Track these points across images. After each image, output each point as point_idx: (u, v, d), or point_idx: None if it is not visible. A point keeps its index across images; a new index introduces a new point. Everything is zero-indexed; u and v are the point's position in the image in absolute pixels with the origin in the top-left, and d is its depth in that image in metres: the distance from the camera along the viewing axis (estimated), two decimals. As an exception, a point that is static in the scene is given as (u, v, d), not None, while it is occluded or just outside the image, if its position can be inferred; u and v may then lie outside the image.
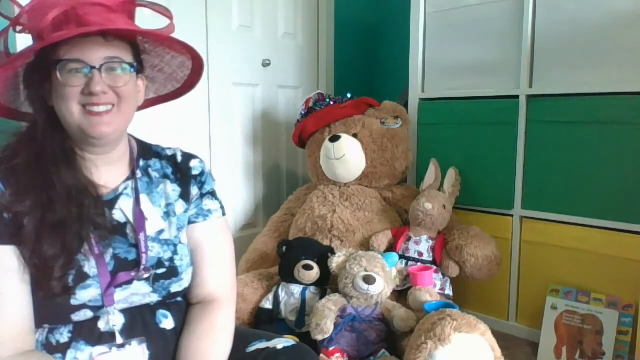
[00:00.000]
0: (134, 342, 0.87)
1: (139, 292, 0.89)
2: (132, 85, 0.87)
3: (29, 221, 0.80)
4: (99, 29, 0.80)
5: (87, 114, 0.83)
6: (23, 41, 0.89)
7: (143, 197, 0.94)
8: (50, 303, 0.82)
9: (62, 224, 0.82)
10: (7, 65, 0.84)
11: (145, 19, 0.99)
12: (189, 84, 1.03)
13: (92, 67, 0.81)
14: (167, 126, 1.92)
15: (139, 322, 0.89)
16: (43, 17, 0.78)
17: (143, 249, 0.89)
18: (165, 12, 0.91)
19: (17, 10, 0.85)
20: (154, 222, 0.93)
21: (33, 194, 0.82)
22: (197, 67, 0.98)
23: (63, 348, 0.84)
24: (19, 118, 0.95)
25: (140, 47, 0.92)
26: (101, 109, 0.83)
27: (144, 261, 0.88)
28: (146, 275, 0.89)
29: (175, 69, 1.00)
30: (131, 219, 0.91)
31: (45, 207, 0.82)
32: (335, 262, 1.58)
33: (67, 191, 0.84)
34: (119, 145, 0.92)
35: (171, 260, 0.92)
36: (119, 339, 0.86)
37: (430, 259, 1.71)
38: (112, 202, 0.91)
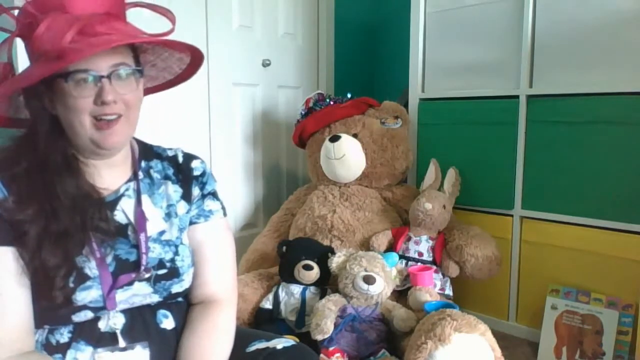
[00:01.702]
0: (138, 347, 0.87)
1: (140, 293, 0.89)
2: (138, 92, 0.87)
3: (31, 228, 0.80)
4: (121, 42, 0.80)
5: (99, 126, 0.83)
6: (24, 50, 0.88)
7: (144, 198, 0.94)
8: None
9: (65, 233, 0.82)
10: (21, 80, 0.83)
11: (145, 20, 0.98)
12: (184, 77, 1.02)
13: (102, 76, 0.81)
14: (167, 126, 1.92)
15: (139, 322, 0.89)
16: (61, 37, 0.77)
17: (143, 250, 0.89)
18: (166, 13, 0.89)
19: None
20: (154, 223, 0.93)
21: (36, 203, 0.81)
22: (196, 62, 0.98)
23: (63, 348, 0.84)
24: (14, 126, 0.93)
25: (138, 48, 0.92)
26: (112, 117, 0.83)
27: (144, 262, 0.88)
28: (147, 276, 0.88)
29: (171, 63, 1.00)
30: (132, 219, 0.91)
31: (48, 217, 0.81)
32: (335, 262, 1.58)
33: (70, 200, 0.83)
34: (122, 149, 0.92)
35: (172, 261, 0.92)
36: (121, 341, 0.86)
37: (430, 259, 1.71)
38: (113, 204, 0.91)
